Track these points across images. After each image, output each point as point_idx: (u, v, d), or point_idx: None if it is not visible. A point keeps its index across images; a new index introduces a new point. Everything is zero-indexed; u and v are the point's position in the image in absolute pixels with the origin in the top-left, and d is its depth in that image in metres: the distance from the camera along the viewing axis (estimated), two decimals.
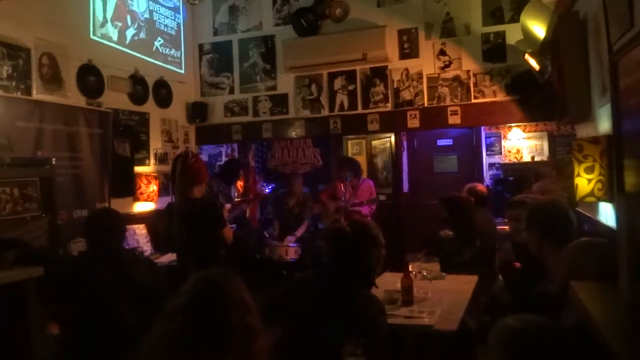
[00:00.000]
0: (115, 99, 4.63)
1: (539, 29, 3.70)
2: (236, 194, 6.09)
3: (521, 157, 6.42)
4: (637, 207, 1.20)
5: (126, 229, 2.67)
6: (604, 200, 2.44)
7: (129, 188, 4.73)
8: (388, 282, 3.36)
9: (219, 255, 3.57)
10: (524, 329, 1.25)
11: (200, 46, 5.86)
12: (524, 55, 4.11)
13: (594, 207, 2.85)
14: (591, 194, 2.45)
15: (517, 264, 2.87)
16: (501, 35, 4.80)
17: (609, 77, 2.25)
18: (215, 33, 5.81)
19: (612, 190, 2.31)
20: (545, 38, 3.55)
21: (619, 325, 1.19)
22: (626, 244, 1.22)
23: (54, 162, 3.35)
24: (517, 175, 5.91)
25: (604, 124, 2.53)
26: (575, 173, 2.50)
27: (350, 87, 5.34)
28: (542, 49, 3.81)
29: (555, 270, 2.20)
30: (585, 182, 2.47)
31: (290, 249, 5.17)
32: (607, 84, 2.30)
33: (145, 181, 4.90)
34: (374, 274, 2.26)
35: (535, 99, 4.58)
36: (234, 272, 1.44)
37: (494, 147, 6.54)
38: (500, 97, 4.83)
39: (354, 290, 2.11)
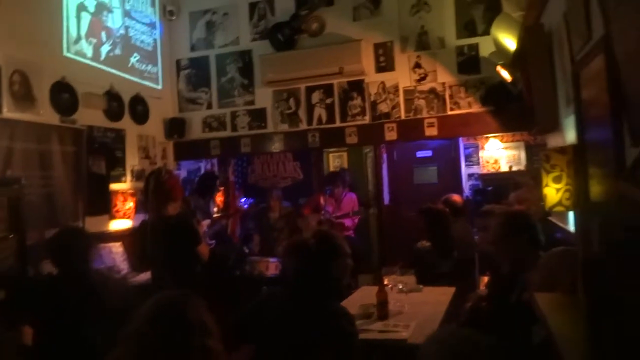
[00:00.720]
0: (90, 116, 4.58)
1: (509, 42, 3.76)
2: (215, 209, 6.04)
3: (499, 167, 6.49)
4: (591, 217, 1.20)
5: (93, 248, 2.60)
6: (572, 210, 2.46)
7: (104, 206, 4.66)
8: (365, 296, 3.35)
9: (195, 272, 3.51)
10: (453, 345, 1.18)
11: (178, 62, 5.85)
12: (496, 67, 4.17)
13: (565, 217, 2.88)
14: (559, 203, 2.46)
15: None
16: (474, 47, 4.88)
17: (572, 88, 2.28)
18: (193, 48, 5.81)
19: (580, 199, 2.33)
20: (515, 50, 3.61)
21: (577, 339, 1.18)
22: (582, 252, 1.22)
23: (23, 182, 3.28)
24: (496, 185, 5.97)
25: (570, 134, 2.56)
26: (544, 183, 2.51)
27: (328, 101, 5.36)
28: (513, 61, 3.86)
29: (531, 279, 2.20)
30: (553, 191, 2.48)
31: (270, 264, 5.12)
32: (572, 95, 2.34)
33: (121, 198, 4.84)
34: (341, 284, 2.24)
35: (509, 110, 4.64)
36: (193, 294, 1.42)
37: (472, 157, 6.60)
38: (476, 108, 4.89)
39: (322, 302, 2.09)
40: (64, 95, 4.30)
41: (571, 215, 2.71)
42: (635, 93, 1.45)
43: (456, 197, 4.40)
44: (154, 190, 3.38)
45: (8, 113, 3.74)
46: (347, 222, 5.63)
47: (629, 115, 1.52)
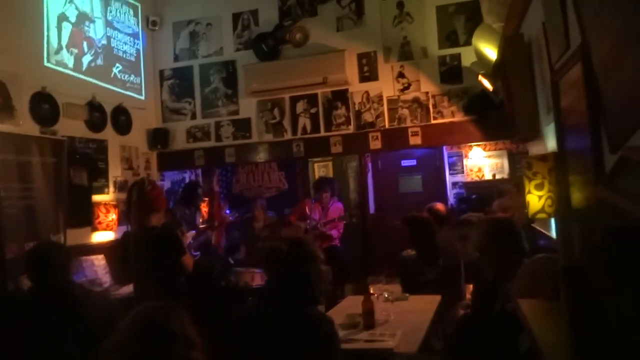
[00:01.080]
0: (71, 127, 4.52)
1: (490, 52, 3.82)
2: (201, 220, 5.99)
3: (483, 175, 6.55)
4: (572, 223, 1.21)
5: (71, 262, 2.54)
6: (554, 217, 2.48)
7: (86, 218, 4.59)
8: (351, 305, 3.33)
9: (179, 284, 3.46)
10: None
11: (161, 72, 5.81)
12: (478, 76, 4.22)
13: (548, 223, 2.91)
14: (542, 210, 2.49)
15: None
16: (457, 57, 4.94)
17: (552, 96, 2.32)
18: (176, 59, 5.78)
19: (561, 206, 2.35)
20: (496, 60, 3.66)
21: (560, 346, 1.19)
22: (563, 259, 1.23)
23: (2, 194, 3.22)
24: (480, 193, 6.03)
25: (551, 142, 2.60)
26: (526, 190, 2.54)
27: (313, 111, 5.37)
28: (494, 71, 3.92)
29: (514, 287, 2.21)
30: (536, 199, 2.51)
31: (256, 275, 5.06)
32: (551, 103, 2.38)
33: (104, 210, 4.77)
34: (317, 290, 2.21)
35: (491, 119, 4.69)
36: (175, 305, 1.40)
37: (456, 166, 6.66)
38: (459, 117, 4.94)
39: (301, 308, 2.07)
40: (45, 106, 4.25)
41: (554, 222, 2.73)
42: (612, 100, 1.47)
43: (440, 206, 4.43)
44: (137, 201, 3.33)
45: None
46: (333, 232, 5.62)
47: (606, 122, 1.54)
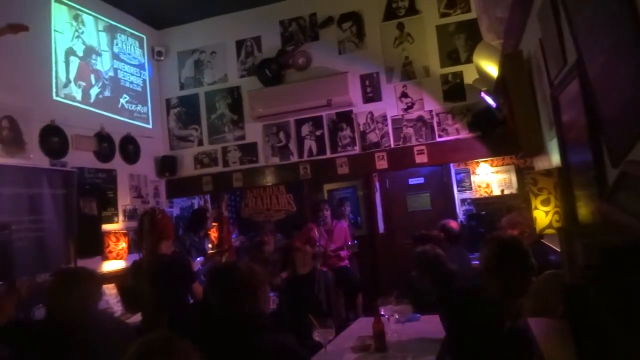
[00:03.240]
0: (80, 158, 4.59)
1: (491, 68, 3.84)
2: (210, 245, 6.00)
3: (491, 191, 6.51)
4: (575, 239, 1.21)
5: (96, 288, 2.53)
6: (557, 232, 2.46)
7: (96, 247, 4.62)
8: (362, 327, 3.30)
9: (188, 311, 3.47)
10: None
11: (168, 100, 5.91)
12: (480, 93, 4.24)
13: (557, 239, 2.88)
14: (549, 225, 2.47)
15: None
16: (459, 75, 4.97)
17: (552, 111, 2.32)
18: (182, 87, 5.89)
19: (567, 221, 2.34)
20: (497, 77, 3.68)
21: None
22: (566, 275, 1.22)
23: (12, 227, 3.26)
24: (489, 209, 5.98)
25: (555, 157, 2.59)
26: (533, 206, 2.53)
27: (318, 133, 5.42)
28: (496, 87, 3.94)
29: (525, 305, 2.18)
30: (542, 214, 2.50)
31: None
32: (552, 119, 2.38)
33: (114, 239, 4.80)
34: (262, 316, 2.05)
35: (496, 135, 4.69)
36: (179, 335, 1.40)
37: (464, 182, 6.62)
38: (464, 134, 4.95)
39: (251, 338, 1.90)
40: (54, 139, 4.33)
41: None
42: (610, 115, 1.48)
43: (453, 224, 4.40)
44: (148, 230, 3.37)
45: None
46: (342, 252, 5.63)
47: (606, 137, 1.54)
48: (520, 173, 6.36)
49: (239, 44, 5.70)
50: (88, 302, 2.34)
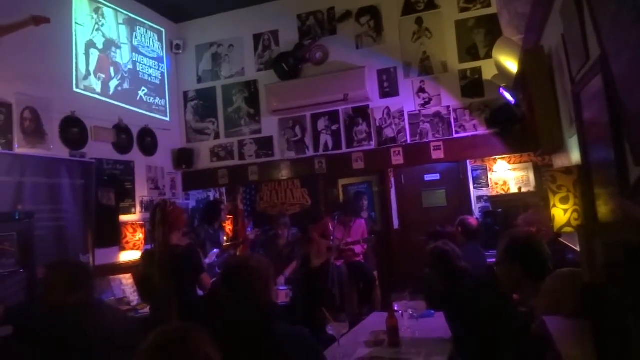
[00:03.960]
0: (99, 149, 4.66)
1: (511, 64, 3.79)
2: (225, 238, 6.04)
3: (508, 188, 6.44)
4: (594, 237, 1.19)
5: (94, 280, 2.57)
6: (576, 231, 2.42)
7: (114, 238, 4.69)
8: (376, 322, 3.30)
9: (200, 301, 3.54)
10: None
11: (185, 93, 5.95)
12: (499, 89, 4.19)
13: (575, 237, 2.84)
14: (568, 224, 2.44)
15: None
16: (477, 71, 4.92)
17: (573, 108, 2.29)
18: (199, 80, 5.92)
19: (587, 220, 2.30)
20: (517, 73, 3.63)
21: None
22: (586, 274, 1.21)
23: (34, 216, 3.32)
24: (506, 207, 5.92)
25: (575, 154, 2.55)
26: (551, 204, 2.50)
27: (334, 127, 5.41)
28: (515, 83, 3.89)
29: (537, 304, 2.15)
30: (561, 212, 2.47)
31: (280, 292, 5.08)
32: (573, 115, 2.34)
33: (131, 230, 4.86)
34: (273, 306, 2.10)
35: (514, 132, 4.64)
36: (196, 325, 1.41)
37: (480, 179, 6.57)
38: (481, 130, 4.90)
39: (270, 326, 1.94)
40: (74, 130, 4.39)
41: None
42: (634, 111, 1.45)
43: (472, 220, 4.35)
44: (160, 221, 3.43)
45: (19, 149, 3.83)
46: (357, 247, 5.62)
47: (629, 134, 1.51)
48: (538, 171, 6.28)
49: (257, 38, 5.71)
50: (87, 293, 2.37)
